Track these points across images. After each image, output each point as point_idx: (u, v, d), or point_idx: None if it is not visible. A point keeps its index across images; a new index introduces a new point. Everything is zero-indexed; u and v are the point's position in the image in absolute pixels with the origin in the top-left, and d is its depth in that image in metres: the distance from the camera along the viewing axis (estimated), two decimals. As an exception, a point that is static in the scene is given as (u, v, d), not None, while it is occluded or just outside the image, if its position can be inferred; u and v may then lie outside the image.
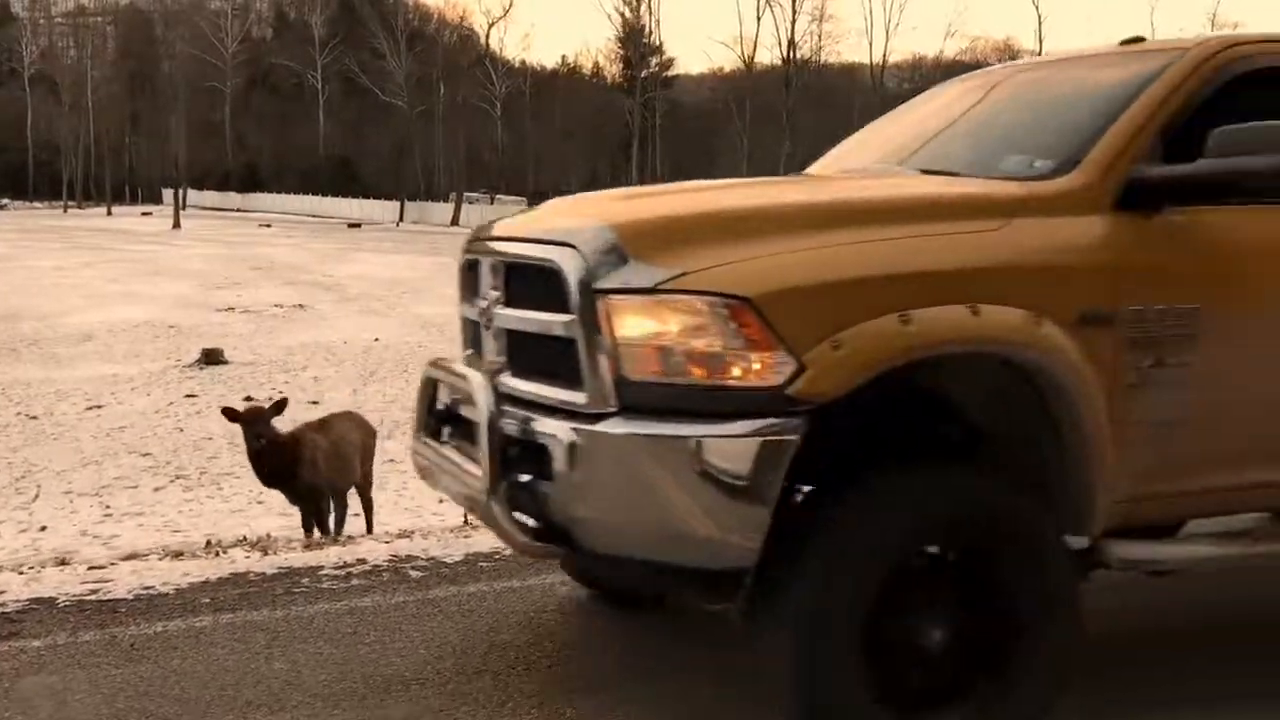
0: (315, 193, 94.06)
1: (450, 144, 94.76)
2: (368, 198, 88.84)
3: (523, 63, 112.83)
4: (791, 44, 60.23)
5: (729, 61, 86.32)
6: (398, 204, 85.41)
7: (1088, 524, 3.55)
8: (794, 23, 60.08)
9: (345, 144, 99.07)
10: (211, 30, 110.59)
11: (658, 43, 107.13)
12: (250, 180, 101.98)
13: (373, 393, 17.34)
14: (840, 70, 71.56)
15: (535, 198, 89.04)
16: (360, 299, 29.60)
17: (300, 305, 27.63)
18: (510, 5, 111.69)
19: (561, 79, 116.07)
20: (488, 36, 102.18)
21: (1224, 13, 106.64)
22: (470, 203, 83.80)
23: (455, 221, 78.79)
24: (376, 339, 22.67)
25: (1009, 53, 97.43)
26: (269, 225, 69.24)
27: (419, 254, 47.14)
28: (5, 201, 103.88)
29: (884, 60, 61.46)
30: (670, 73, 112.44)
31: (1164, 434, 3.60)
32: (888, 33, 58.86)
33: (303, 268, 39.24)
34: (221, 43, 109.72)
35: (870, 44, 61.29)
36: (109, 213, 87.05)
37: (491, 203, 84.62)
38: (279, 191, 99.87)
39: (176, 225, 65.30)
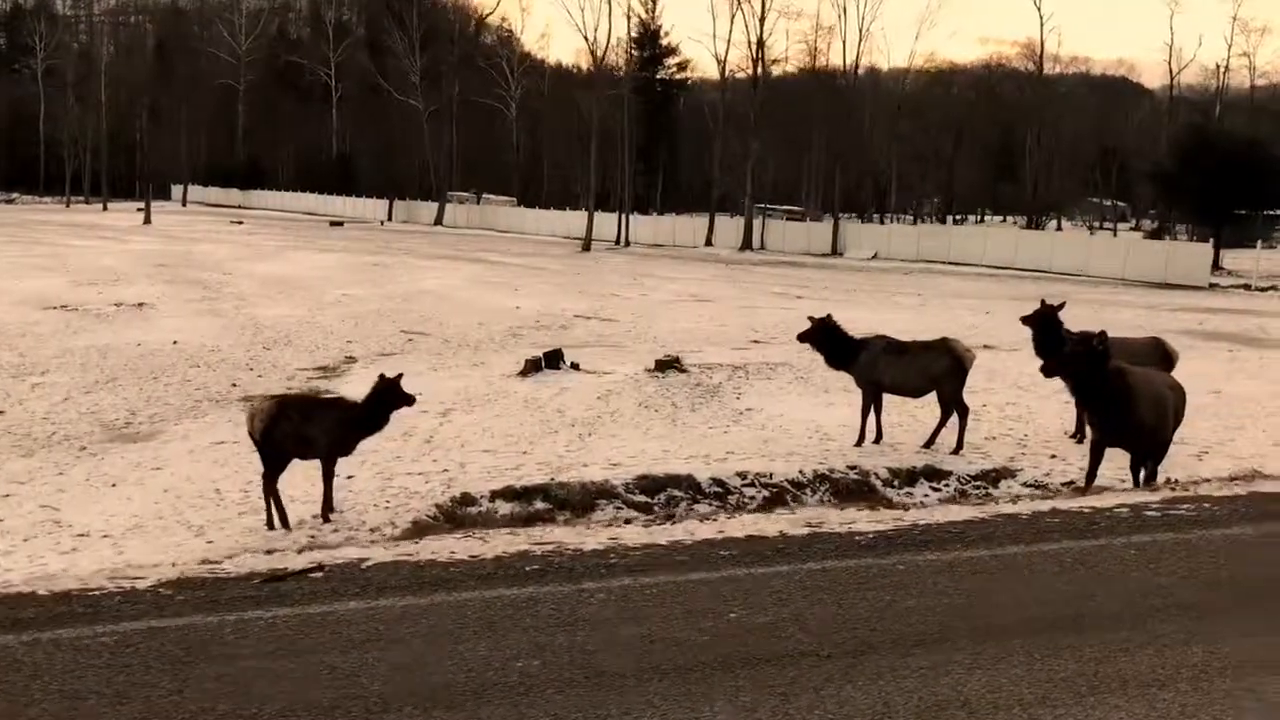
0: (318, 190, 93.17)
1: (453, 143, 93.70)
2: (369, 196, 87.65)
3: (534, 61, 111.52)
4: (761, 45, 57.87)
5: (738, 65, 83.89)
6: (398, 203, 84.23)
7: None
8: (762, 22, 57.70)
9: (354, 142, 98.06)
10: (227, 28, 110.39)
11: (669, 45, 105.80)
12: (253, 177, 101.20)
13: (84, 401, 15.51)
14: (815, 74, 69.04)
15: (530, 197, 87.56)
16: (223, 298, 27.91)
17: (143, 304, 25.91)
18: (498, 4, 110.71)
19: (578, 79, 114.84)
20: (477, 30, 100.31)
21: (1247, 13, 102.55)
22: (460, 202, 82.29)
23: (439, 221, 77.37)
24: (175, 342, 20.90)
25: (1031, 56, 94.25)
26: (240, 222, 68.01)
27: (358, 254, 45.55)
28: (14, 196, 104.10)
29: (856, 63, 58.78)
30: (686, 75, 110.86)
31: None
32: (861, 34, 55.97)
33: (215, 265, 37.73)
34: (235, 40, 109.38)
35: (844, 45, 58.32)
36: (105, 207, 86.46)
37: (478, 202, 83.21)
38: (283, 189, 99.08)
39: (147, 221, 64.26)
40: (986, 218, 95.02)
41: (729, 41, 62.18)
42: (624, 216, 60.71)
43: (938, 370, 13.26)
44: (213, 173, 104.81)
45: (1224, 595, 4.99)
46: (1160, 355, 14.09)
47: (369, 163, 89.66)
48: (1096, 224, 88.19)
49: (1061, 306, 14.40)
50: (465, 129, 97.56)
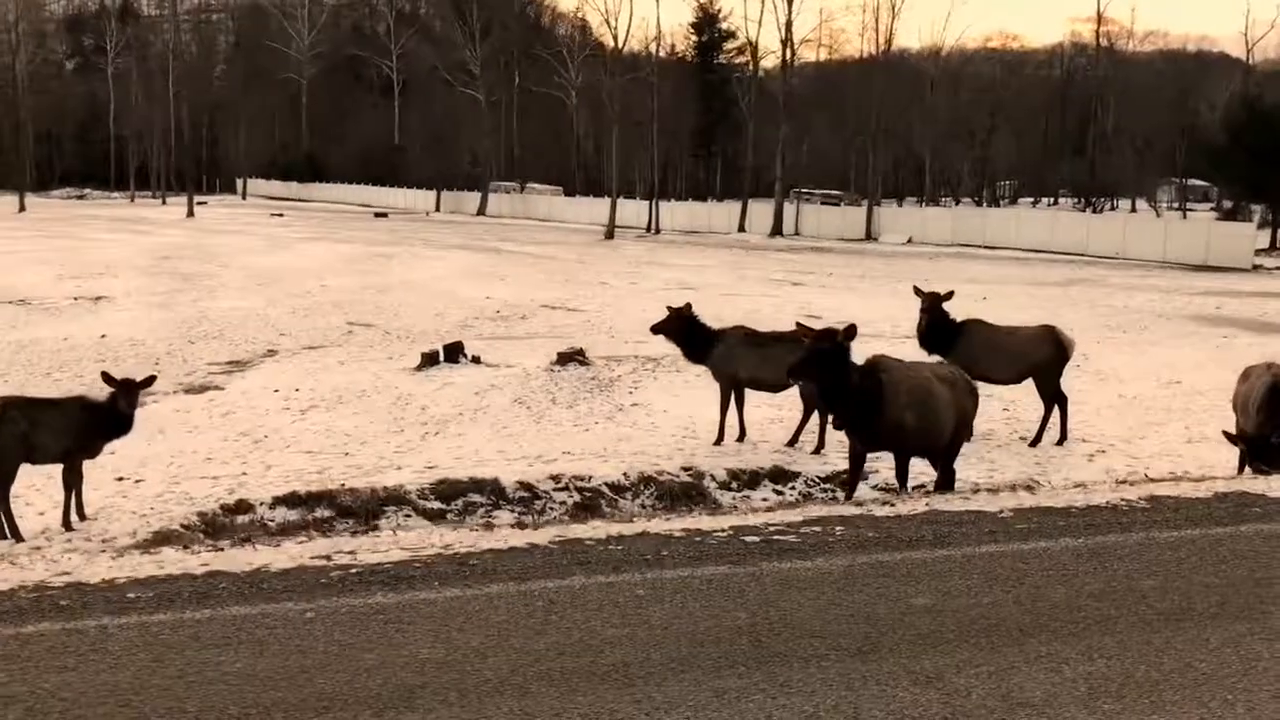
0: (375, 182, 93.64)
1: (512, 133, 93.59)
2: (421, 188, 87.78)
3: (595, 48, 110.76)
4: (789, 25, 56.29)
5: (820, 53, 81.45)
6: (446, 194, 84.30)
7: None
8: (790, 2, 56.12)
9: (412, 134, 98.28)
10: (292, 23, 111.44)
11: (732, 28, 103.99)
12: (314, 170, 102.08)
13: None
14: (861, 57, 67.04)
15: (592, 186, 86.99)
16: (191, 291, 27.73)
17: (100, 298, 25.81)
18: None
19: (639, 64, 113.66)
20: (552, 21, 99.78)
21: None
22: (505, 192, 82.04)
23: (481, 211, 77.19)
24: (103, 336, 20.63)
25: (1095, 31, 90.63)
26: (281, 215, 68.45)
27: (373, 245, 45.36)
28: (86, 191, 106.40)
29: (889, 42, 56.87)
30: (746, 59, 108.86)
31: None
32: (894, 12, 54.40)
33: (217, 257, 37.73)
34: (300, 34, 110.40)
35: (876, 24, 55.98)
36: (163, 202, 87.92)
37: (522, 191, 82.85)
38: (343, 181, 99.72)
39: (190, 214, 65.02)
40: (1061, 199, 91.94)
41: (759, 23, 60.73)
42: (653, 203, 59.81)
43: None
44: (275, 167, 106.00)
45: (659, 653, 4.04)
46: (1052, 344, 12.93)
47: (423, 154, 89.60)
48: (1167, 205, 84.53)
49: (949, 296, 13.29)
50: (528, 119, 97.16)
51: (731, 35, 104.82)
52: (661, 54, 70.12)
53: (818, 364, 7.75)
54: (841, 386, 7.74)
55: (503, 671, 3.80)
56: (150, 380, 9.97)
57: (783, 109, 57.08)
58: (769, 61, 69.47)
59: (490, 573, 4.77)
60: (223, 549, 5.54)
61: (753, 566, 4.88)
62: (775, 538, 5.30)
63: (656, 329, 13.02)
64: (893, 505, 6.58)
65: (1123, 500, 6.31)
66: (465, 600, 4.47)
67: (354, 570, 4.78)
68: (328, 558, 4.99)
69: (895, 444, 8.16)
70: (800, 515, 6.02)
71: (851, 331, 8.01)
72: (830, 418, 10.33)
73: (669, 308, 13.16)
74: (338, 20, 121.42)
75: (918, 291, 13.12)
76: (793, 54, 58.64)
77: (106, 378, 9.65)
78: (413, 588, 4.58)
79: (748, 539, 5.27)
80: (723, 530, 5.43)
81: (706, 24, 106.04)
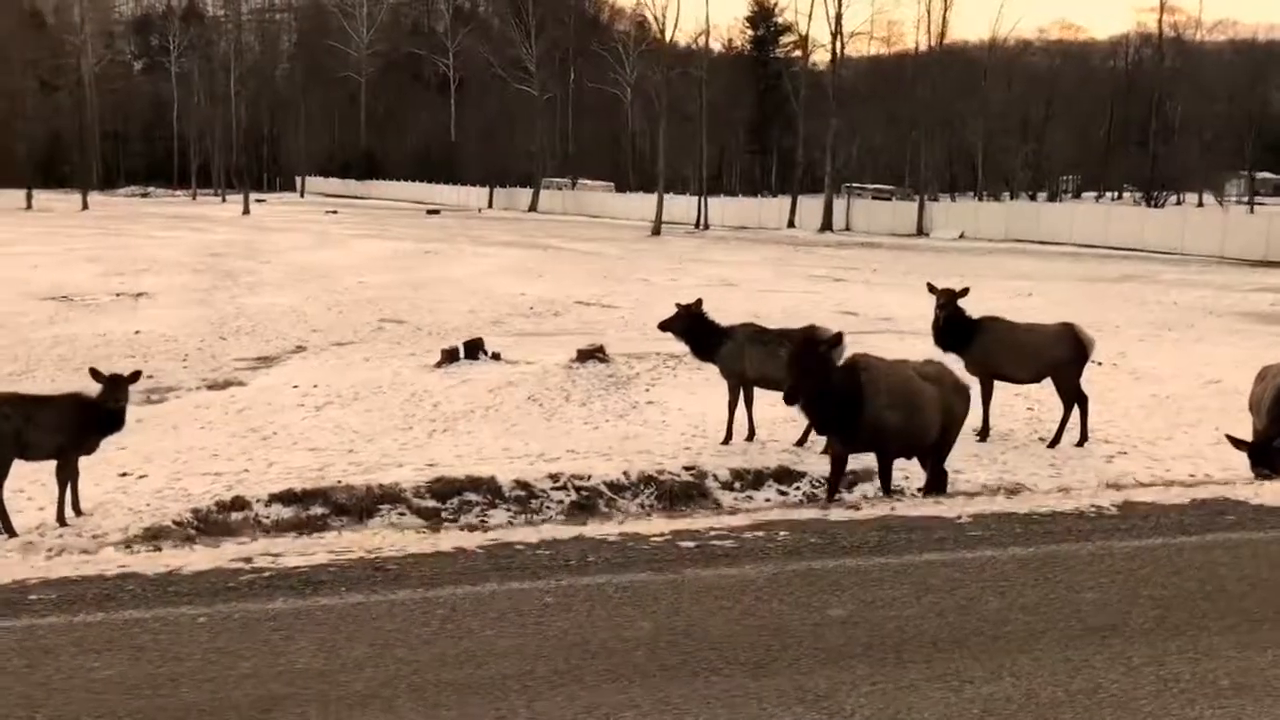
0: (430, 179, 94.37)
1: (567, 130, 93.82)
2: (475, 184, 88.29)
3: (650, 44, 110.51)
4: (839, 18, 55.76)
5: (874, 46, 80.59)
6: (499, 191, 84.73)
7: None
8: (841, -2, 55.57)
9: (467, 131, 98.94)
10: (350, 21, 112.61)
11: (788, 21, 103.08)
12: (371, 168, 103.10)
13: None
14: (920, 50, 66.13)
15: (646, 182, 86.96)
16: (230, 288, 28.04)
17: (141, 294, 26.16)
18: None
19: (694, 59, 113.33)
20: (612, 18, 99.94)
21: None
22: (557, 189, 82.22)
23: (533, 208, 77.44)
24: (138, 332, 20.91)
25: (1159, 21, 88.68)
26: (335, 211, 69.12)
27: (420, 242, 45.60)
28: (149, 189, 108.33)
29: (941, 36, 56.07)
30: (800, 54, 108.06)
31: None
32: (947, 3, 53.74)
33: (263, 254, 38.14)
34: (359, 33, 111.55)
35: (929, 15, 54.97)
36: (223, 200, 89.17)
37: (574, 187, 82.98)
38: (399, 179, 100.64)
39: (246, 212, 65.91)
40: (1126, 193, 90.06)
41: (809, 16, 60.24)
42: (702, 199, 59.59)
43: (799, 361, 12.04)
44: (334, 164, 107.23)
45: (546, 665, 3.86)
46: (1070, 342, 12.57)
47: (478, 151, 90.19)
48: (1235, 199, 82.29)
49: (964, 292, 12.96)
50: (584, 115, 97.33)
51: (787, 29, 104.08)
52: (718, 48, 69.86)
53: (806, 375, 7.52)
54: (823, 392, 7.53)
55: (375, 684, 3.70)
56: (136, 375, 9.99)
57: (832, 103, 56.55)
58: (822, 55, 68.82)
59: (402, 578, 4.67)
60: (160, 548, 5.51)
61: (675, 574, 4.72)
62: (712, 543, 5.13)
63: (664, 326, 12.88)
64: (857, 509, 6.37)
65: (1093, 506, 6.04)
66: (366, 607, 4.38)
67: (266, 574, 4.71)
68: (248, 560, 4.92)
69: (876, 444, 7.94)
70: (748, 519, 5.83)
71: (837, 340, 7.81)
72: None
73: (678, 304, 13.00)
74: (397, 19, 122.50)
75: (931, 288, 12.81)
76: (842, 47, 58.18)
77: (94, 374, 9.70)
78: (317, 593, 4.50)
79: (683, 544, 5.10)
80: (661, 535, 5.27)
81: (761, 19, 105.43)
